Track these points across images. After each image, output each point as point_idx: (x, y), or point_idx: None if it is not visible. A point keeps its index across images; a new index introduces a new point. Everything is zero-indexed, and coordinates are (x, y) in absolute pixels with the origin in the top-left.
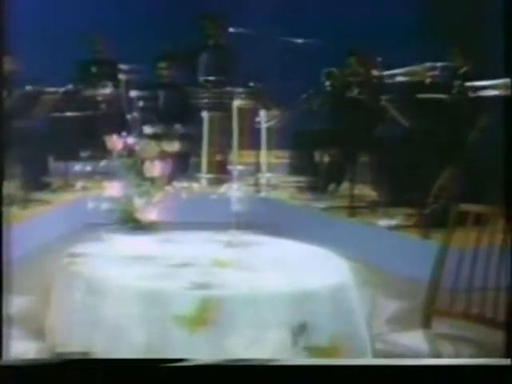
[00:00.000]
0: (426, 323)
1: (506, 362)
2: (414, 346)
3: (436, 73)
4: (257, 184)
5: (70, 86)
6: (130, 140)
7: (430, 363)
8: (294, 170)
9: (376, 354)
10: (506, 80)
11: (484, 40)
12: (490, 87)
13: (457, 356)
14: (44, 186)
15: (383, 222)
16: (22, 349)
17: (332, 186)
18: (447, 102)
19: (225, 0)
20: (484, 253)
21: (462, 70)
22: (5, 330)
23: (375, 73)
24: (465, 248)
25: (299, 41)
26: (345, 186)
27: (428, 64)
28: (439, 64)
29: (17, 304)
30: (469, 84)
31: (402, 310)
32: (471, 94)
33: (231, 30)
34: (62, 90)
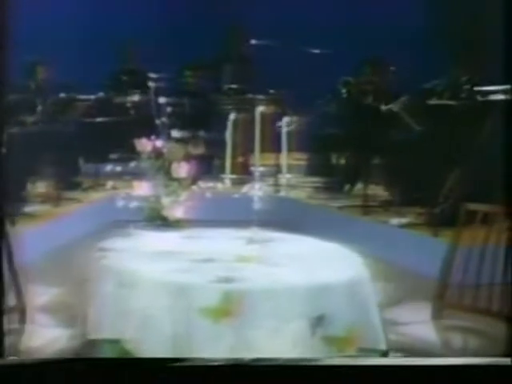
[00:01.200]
0: (436, 315)
1: (505, 361)
2: (425, 337)
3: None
4: (277, 184)
5: (101, 94)
6: (159, 143)
7: (431, 363)
8: (312, 171)
9: (389, 344)
10: (507, 86)
11: (485, 48)
12: (495, 92)
13: (465, 346)
14: (75, 186)
15: (395, 221)
16: (55, 335)
17: (347, 187)
18: (456, 107)
19: (247, 13)
20: (491, 250)
21: (468, 77)
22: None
23: (388, 81)
24: (473, 245)
25: (316, 51)
26: (359, 186)
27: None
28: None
29: (51, 294)
30: (476, 89)
31: (413, 302)
32: (479, 99)
33: (253, 41)
34: (93, 97)
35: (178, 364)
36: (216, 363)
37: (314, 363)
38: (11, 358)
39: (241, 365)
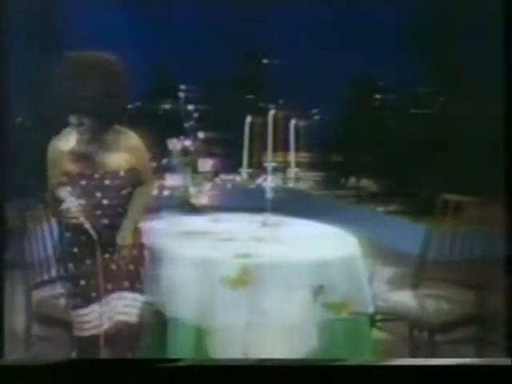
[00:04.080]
0: (414, 285)
1: (505, 362)
2: (405, 303)
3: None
4: (285, 177)
5: (138, 103)
6: (187, 142)
7: (431, 363)
8: (315, 167)
9: (375, 308)
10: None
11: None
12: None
13: (437, 310)
14: None
15: (382, 208)
16: None
17: (342, 180)
18: (432, 114)
19: (259, 38)
20: (461, 233)
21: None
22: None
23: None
24: (446, 229)
25: (315, 67)
26: (352, 179)
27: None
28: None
29: None
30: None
31: (396, 275)
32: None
33: (265, 61)
34: (131, 106)
35: (178, 364)
36: (220, 364)
37: (319, 364)
38: (11, 358)
39: (246, 365)
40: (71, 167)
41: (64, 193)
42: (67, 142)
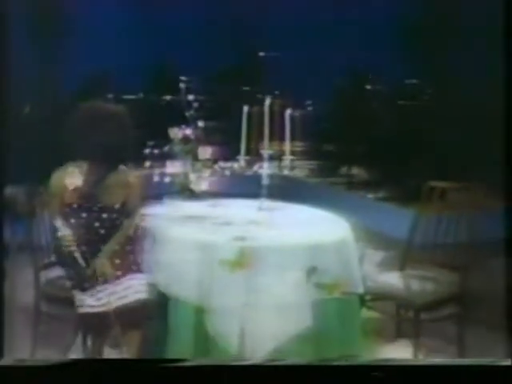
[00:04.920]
0: (402, 267)
1: (505, 362)
2: (393, 283)
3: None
4: (281, 165)
5: (140, 94)
6: (188, 131)
7: (431, 363)
8: (309, 155)
9: (365, 289)
10: None
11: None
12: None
13: (422, 290)
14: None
15: (372, 195)
16: None
17: (335, 168)
18: (420, 105)
19: (256, 32)
20: (446, 218)
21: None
22: None
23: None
24: (432, 214)
25: (311, 58)
26: (344, 168)
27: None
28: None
29: None
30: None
31: (385, 258)
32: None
33: (261, 53)
34: (134, 97)
35: (178, 364)
36: (220, 364)
37: (319, 364)
38: (11, 358)
39: (246, 365)
40: (73, 200)
41: (61, 222)
42: (72, 178)
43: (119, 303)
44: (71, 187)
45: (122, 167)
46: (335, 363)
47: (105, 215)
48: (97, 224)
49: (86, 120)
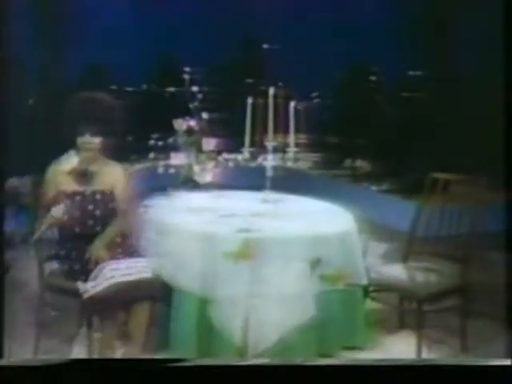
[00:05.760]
0: (405, 258)
1: (505, 362)
2: (396, 275)
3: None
4: (285, 157)
5: (144, 86)
6: (192, 123)
7: (431, 363)
8: (312, 148)
9: (369, 280)
10: None
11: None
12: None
13: (426, 281)
14: (124, 159)
15: (375, 187)
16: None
17: (339, 160)
18: (423, 97)
19: (260, 24)
20: (448, 209)
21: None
22: None
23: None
24: (435, 206)
25: (316, 50)
26: (348, 160)
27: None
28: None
29: None
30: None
31: (388, 249)
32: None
33: (265, 46)
34: (138, 89)
35: (178, 364)
36: (220, 364)
37: (319, 364)
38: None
39: (246, 365)
40: (67, 186)
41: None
42: (68, 164)
43: (123, 279)
44: (67, 171)
45: (109, 161)
46: (335, 363)
47: (98, 197)
48: (90, 207)
49: (78, 108)
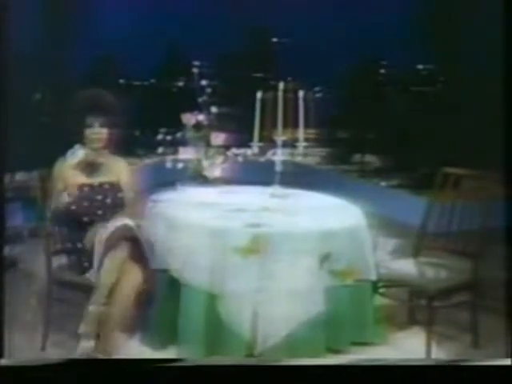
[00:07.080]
0: (415, 254)
1: (506, 362)
2: (406, 270)
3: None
4: (294, 152)
5: (152, 80)
6: (201, 117)
7: (431, 363)
8: (322, 143)
9: (378, 276)
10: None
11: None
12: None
13: (436, 277)
14: (132, 154)
15: (385, 182)
16: None
17: (348, 155)
18: (433, 91)
19: (269, 18)
20: (459, 205)
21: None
22: None
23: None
24: (445, 202)
25: (325, 44)
26: (357, 155)
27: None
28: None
29: None
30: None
31: (398, 245)
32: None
33: (274, 39)
34: (146, 83)
35: (178, 364)
36: (220, 364)
37: (319, 364)
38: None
39: (246, 365)
40: (75, 179)
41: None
42: (74, 159)
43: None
44: (74, 164)
45: (113, 156)
46: (337, 363)
47: (107, 186)
48: (100, 197)
49: (87, 100)
